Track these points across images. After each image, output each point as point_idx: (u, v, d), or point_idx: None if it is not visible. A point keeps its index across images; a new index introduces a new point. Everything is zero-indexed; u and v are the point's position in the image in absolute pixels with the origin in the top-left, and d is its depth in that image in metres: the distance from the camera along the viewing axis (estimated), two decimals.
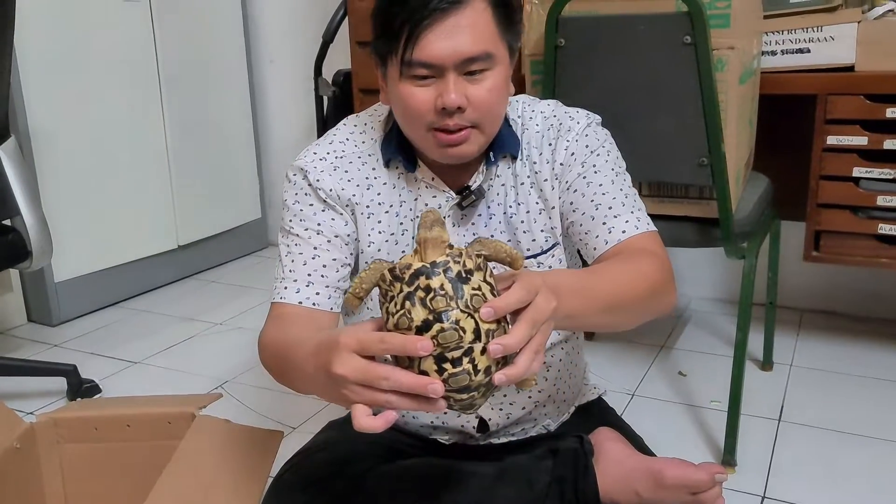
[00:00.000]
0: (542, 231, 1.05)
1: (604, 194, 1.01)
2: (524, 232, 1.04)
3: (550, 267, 1.05)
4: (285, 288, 1.01)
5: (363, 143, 1.06)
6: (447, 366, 0.67)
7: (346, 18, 2.11)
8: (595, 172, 1.02)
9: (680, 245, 1.55)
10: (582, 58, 1.40)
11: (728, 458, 1.45)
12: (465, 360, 0.67)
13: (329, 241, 1.01)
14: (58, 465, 1.18)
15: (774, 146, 1.75)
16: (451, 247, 0.74)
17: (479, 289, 0.69)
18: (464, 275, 0.69)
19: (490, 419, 1.09)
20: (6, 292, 2.26)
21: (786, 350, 1.93)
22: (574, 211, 1.02)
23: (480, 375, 0.68)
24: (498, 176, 1.05)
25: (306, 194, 1.03)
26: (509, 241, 1.04)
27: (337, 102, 2.26)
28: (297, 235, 1.02)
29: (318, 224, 1.02)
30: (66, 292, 2.29)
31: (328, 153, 1.05)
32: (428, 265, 0.69)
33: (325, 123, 2.32)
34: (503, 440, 1.12)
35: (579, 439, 1.04)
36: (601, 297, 0.86)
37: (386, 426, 0.69)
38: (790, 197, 1.73)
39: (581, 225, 1.01)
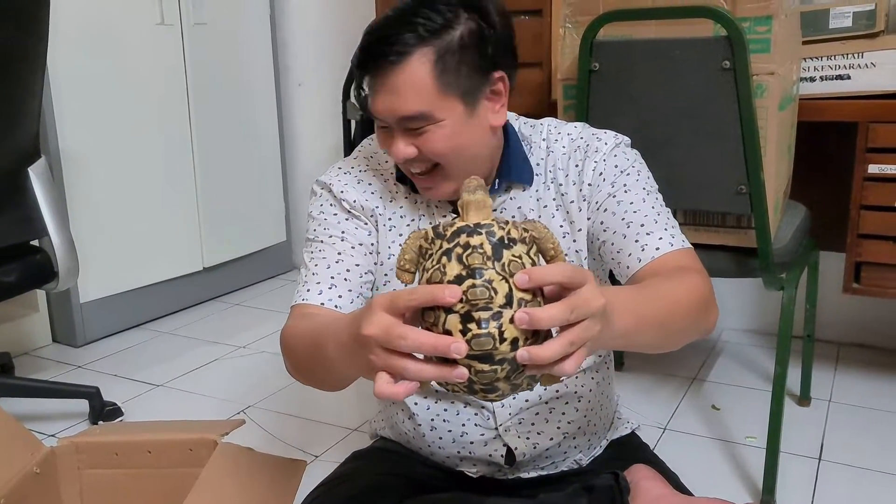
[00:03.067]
0: (565, 255, 1.01)
1: (635, 212, 0.97)
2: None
3: None
4: (308, 290, 0.99)
5: (385, 161, 1.07)
6: (472, 326, 0.62)
7: None
8: (626, 192, 0.99)
9: (716, 275, 1.50)
10: (616, 82, 1.38)
11: (768, 498, 1.39)
12: (493, 323, 0.62)
13: (353, 248, 1.02)
14: (77, 491, 1.15)
15: (812, 174, 1.71)
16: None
17: (520, 258, 0.65)
18: (506, 241, 0.66)
19: (516, 448, 1.05)
20: (32, 313, 2.27)
21: (823, 385, 1.87)
22: (605, 231, 0.99)
23: (506, 346, 0.63)
24: (513, 199, 1.03)
25: (331, 205, 1.04)
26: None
27: (364, 126, 2.25)
28: (322, 242, 1.02)
29: (343, 231, 1.03)
30: (91, 313, 2.29)
31: (352, 168, 1.07)
32: (472, 224, 0.67)
33: (352, 147, 2.31)
34: (532, 474, 1.08)
35: (615, 476, 1.00)
36: (654, 315, 0.81)
37: (407, 394, 0.64)
38: (829, 227, 1.68)
39: (613, 244, 0.98)
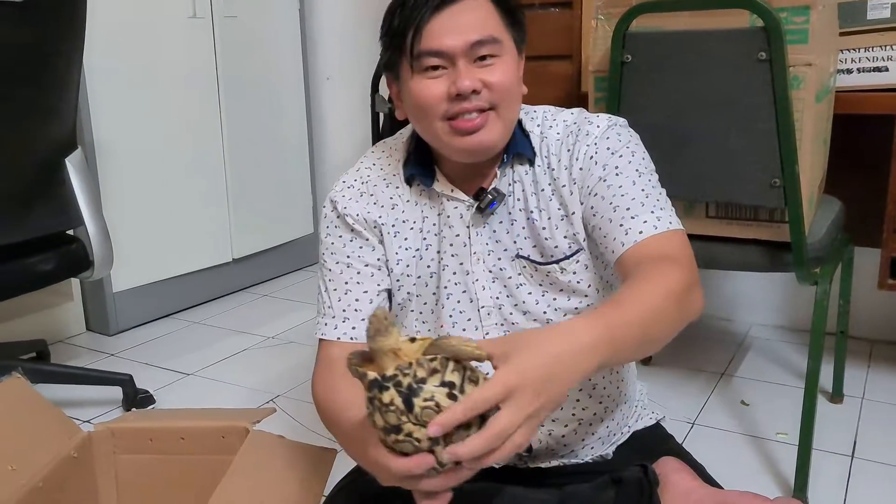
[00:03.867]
0: (564, 237, 1.01)
1: (623, 195, 0.96)
2: (546, 238, 1.01)
3: (575, 272, 1.02)
4: (325, 325, 1.05)
5: (388, 165, 1.07)
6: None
7: None
8: (616, 175, 0.98)
9: (747, 269, 1.49)
10: (649, 74, 1.36)
11: (799, 495, 1.38)
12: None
13: (359, 273, 1.04)
14: (113, 475, 1.17)
15: (847, 168, 1.68)
16: (412, 340, 0.74)
17: (433, 398, 0.69)
18: (414, 387, 0.69)
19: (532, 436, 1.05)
20: (67, 301, 2.31)
21: (856, 382, 1.84)
22: (595, 215, 0.98)
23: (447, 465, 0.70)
24: (518, 181, 1.03)
25: (336, 227, 1.06)
26: (534, 246, 1.02)
27: (392, 119, 2.25)
28: (330, 270, 1.06)
29: (348, 256, 1.05)
30: (123, 302, 2.32)
31: (355, 180, 1.07)
32: (379, 378, 0.70)
33: (380, 139, 2.31)
34: (553, 463, 1.08)
35: (643, 468, 0.99)
36: (634, 339, 0.81)
37: None
38: (864, 222, 1.66)
39: (601, 229, 0.97)
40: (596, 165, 0.99)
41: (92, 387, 1.87)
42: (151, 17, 2.27)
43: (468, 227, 1.03)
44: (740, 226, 1.44)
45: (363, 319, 1.02)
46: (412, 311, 1.07)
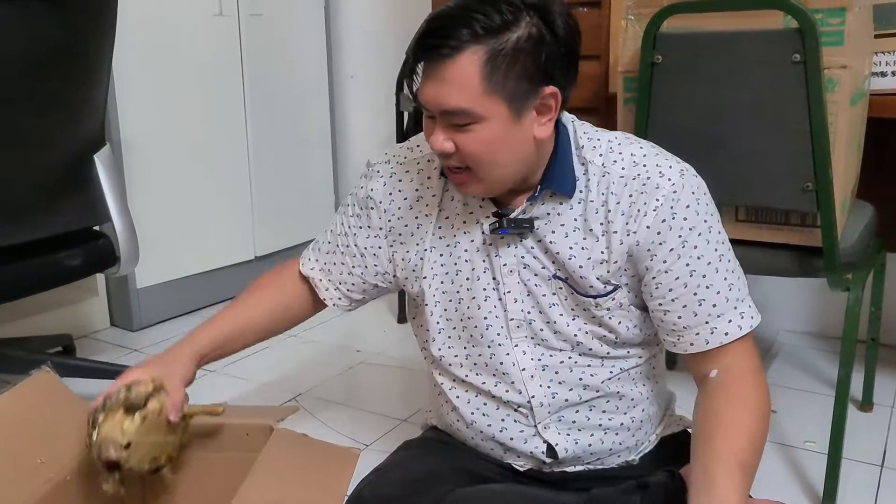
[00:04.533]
0: (598, 279, 0.99)
1: (707, 287, 0.95)
2: (581, 277, 0.99)
3: (609, 308, 1.01)
4: (308, 259, 1.20)
5: (430, 152, 1.08)
6: None
7: None
8: (698, 258, 0.95)
9: (777, 274, 1.47)
10: (680, 75, 1.35)
11: None
12: None
13: (347, 247, 1.14)
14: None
15: (880, 173, 1.65)
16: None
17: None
18: None
19: (557, 444, 1.05)
20: (92, 296, 2.33)
21: (886, 390, 1.81)
22: (674, 300, 0.97)
23: None
24: (558, 214, 1.00)
25: (356, 193, 1.14)
26: (567, 278, 1.01)
27: (418, 118, 2.25)
28: (336, 223, 1.16)
29: (349, 227, 1.14)
30: (147, 299, 2.34)
31: (395, 156, 1.12)
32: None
33: (405, 139, 2.31)
34: (579, 468, 1.07)
35: (670, 474, 0.99)
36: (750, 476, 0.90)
37: None
38: None
39: (680, 317, 0.97)
40: (671, 232, 0.94)
41: None
42: (178, 14, 2.28)
43: (499, 237, 1.03)
44: (771, 230, 1.41)
45: (331, 280, 1.16)
46: (437, 303, 1.08)
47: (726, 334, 0.96)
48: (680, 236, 0.94)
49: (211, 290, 2.54)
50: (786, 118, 1.28)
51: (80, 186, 1.63)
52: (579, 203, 0.99)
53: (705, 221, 0.96)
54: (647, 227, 0.95)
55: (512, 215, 1.00)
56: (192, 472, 1.17)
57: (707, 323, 0.96)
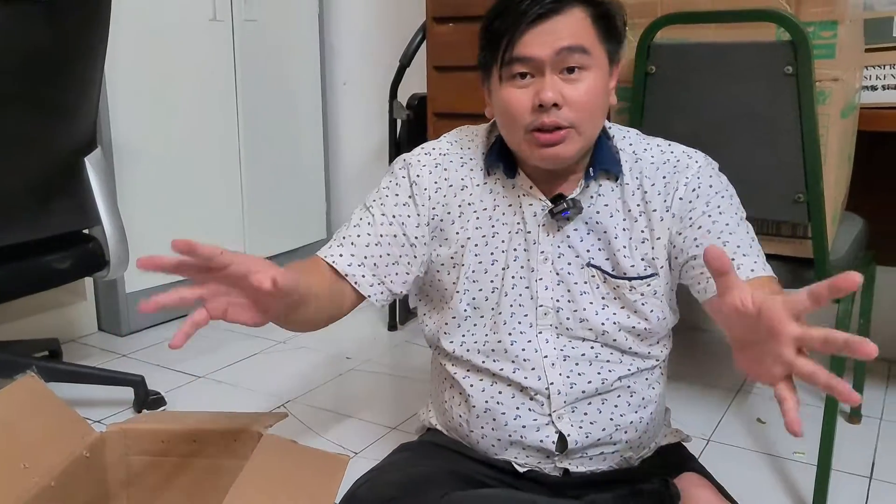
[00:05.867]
0: (642, 260, 1.04)
1: (731, 234, 1.00)
2: (624, 256, 1.04)
3: (643, 294, 1.04)
4: (340, 256, 1.06)
5: (469, 148, 1.12)
6: None
7: (424, 43, 2.10)
8: (720, 213, 1.01)
9: None
10: (673, 86, 1.35)
11: None
12: None
13: (395, 237, 1.07)
14: (124, 476, 1.17)
15: (870, 186, 1.66)
16: None
17: None
18: None
19: (569, 435, 1.05)
20: (80, 300, 2.31)
21: (875, 402, 1.81)
22: (698, 247, 0.99)
23: None
24: (601, 195, 1.05)
25: (398, 184, 1.10)
26: (607, 259, 1.05)
27: (411, 126, 2.25)
28: (373, 216, 1.09)
29: (395, 216, 1.08)
30: (136, 303, 2.32)
31: (434, 149, 1.12)
32: None
33: (398, 147, 2.31)
34: (581, 469, 1.07)
35: (664, 482, 0.99)
36: None
37: None
38: (886, 240, 1.64)
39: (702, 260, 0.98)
40: (699, 199, 1.02)
41: (103, 387, 1.86)
42: (172, 18, 2.28)
43: (540, 226, 1.06)
44: (762, 240, 1.40)
45: (374, 275, 1.06)
46: (467, 290, 1.08)
47: (752, 270, 0.96)
48: (707, 202, 1.02)
49: None
50: (778, 129, 1.29)
51: (70, 189, 1.62)
52: (618, 186, 1.05)
53: (727, 191, 1.05)
54: (680, 198, 1.03)
55: (571, 195, 1.04)
56: (178, 478, 1.16)
57: (733, 259, 0.96)
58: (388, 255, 1.08)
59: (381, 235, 1.07)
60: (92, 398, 1.85)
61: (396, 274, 1.09)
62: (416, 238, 1.09)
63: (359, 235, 1.08)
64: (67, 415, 1.09)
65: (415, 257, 1.09)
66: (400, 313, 2.35)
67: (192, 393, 1.93)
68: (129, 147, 2.21)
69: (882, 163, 1.68)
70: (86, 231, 1.73)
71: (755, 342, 0.72)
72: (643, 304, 1.04)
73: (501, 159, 1.07)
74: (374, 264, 1.07)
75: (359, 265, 1.06)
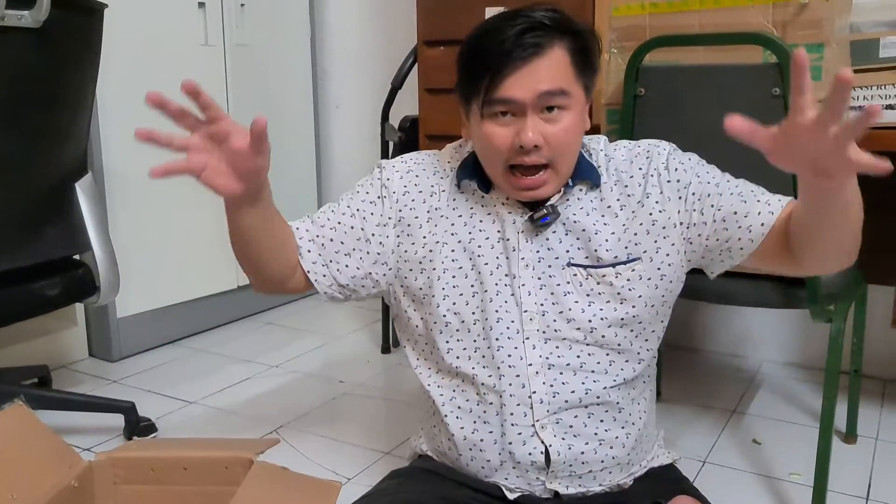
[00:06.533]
0: (625, 248, 1.07)
1: (737, 185, 1.06)
2: (606, 250, 1.06)
3: (629, 279, 1.06)
4: (297, 228, 1.15)
5: (444, 159, 1.16)
6: None
7: (416, 66, 2.12)
8: (713, 177, 1.07)
9: (761, 305, 1.47)
10: (662, 108, 1.36)
11: None
12: None
13: (353, 228, 1.12)
14: None
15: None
16: None
17: None
18: None
19: (551, 446, 1.04)
20: (71, 326, 2.29)
21: (870, 422, 1.81)
22: (720, 209, 1.04)
23: None
24: (579, 199, 1.08)
25: (371, 184, 1.15)
26: (587, 257, 1.07)
27: (403, 148, 2.25)
28: (339, 205, 1.15)
29: (358, 209, 1.13)
30: (127, 329, 2.31)
31: (409, 159, 1.17)
32: None
33: None
34: (571, 490, 1.06)
35: None
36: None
37: None
38: (877, 260, 1.63)
39: (735, 213, 1.03)
40: (686, 173, 1.07)
41: (94, 414, 1.85)
42: (164, 43, 2.29)
43: (519, 232, 1.07)
44: None
45: (321, 255, 1.12)
46: (447, 296, 1.10)
47: (779, 200, 1.03)
48: (695, 172, 1.08)
49: (192, 319, 2.51)
50: None
51: (60, 215, 1.61)
52: (596, 190, 1.09)
53: (700, 161, 1.11)
54: (668, 181, 1.06)
55: (550, 202, 1.06)
56: None
57: (759, 201, 1.03)
58: (342, 243, 1.12)
59: (339, 223, 1.13)
60: (82, 425, 1.83)
61: (346, 266, 1.12)
62: (372, 235, 1.12)
63: (319, 217, 1.15)
64: (55, 443, 1.08)
65: (367, 253, 1.12)
66: (393, 336, 2.34)
67: (184, 419, 1.91)
68: (120, 172, 2.21)
69: (872, 182, 1.68)
70: (76, 257, 1.72)
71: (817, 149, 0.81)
72: (630, 290, 1.06)
73: (476, 175, 1.09)
74: (323, 245, 1.12)
75: (309, 240, 1.12)
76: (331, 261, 1.12)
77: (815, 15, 1.27)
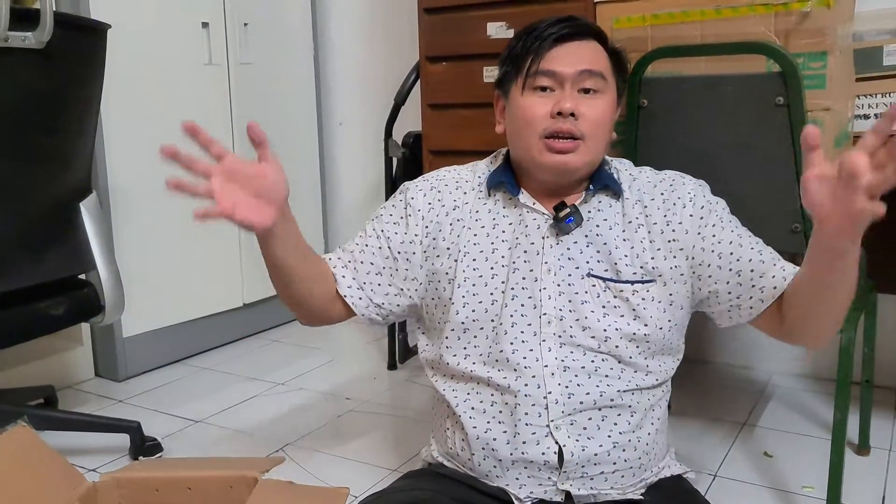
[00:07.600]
0: (641, 268, 1.09)
1: (757, 242, 1.10)
2: (626, 265, 1.10)
3: (643, 299, 1.09)
4: (329, 259, 1.20)
5: (467, 173, 1.21)
6: None
7: (418, 82, 2.12)
8: (736, 226, 1.11)
9: None
10: (665, 118, 1.36)
11: None
12: None
13: (380, 248, 1.18)
14: None
15: None
16: None
17: None
18: None
19: (565, 446, 1.04)
20: (76, 346, 2.29)
21: (883, 433, 1.78)
22: (739, 259, 1.07)
23: None
24: (601, 210, 1.12)
25: (394, 206, 1.21)
26: (606, 270, 1.10)
27: (406, 164, 2.26)
28: (366, 231, 1.21)
29: (382, 230, 1.19)
30: (133, 348, 2.30)
31: (431, 177, 1.22)
32: None
33: (394, 184, 2.32)
34: (583, 492, 1.05)
35: None
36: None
37: None
38: (886, 269, 1.62)
39: (752, 270, 1.06)
40: (711, 214, 1.11)
41: (99, 434, 1.84)
42: (167, 63, 2.30)
43: (544, 238, 1.11)
44: None
45: (355, 279, 1.18)
46: (466, 304, 1.13)
47: (793, 267, 1.05)
48: (719, 216, 1.11)
49: (199, 338, 2.51)
50: (771, 160, 1.29)
51: (65, 235, 1.62)
52: (618, 202, 1.13)
53: (726, 208, 1.14)
54: (690, 215, 1.10)
55: (573, 203, 1.11)
56: None
57: (775, 265, 1.06)
58: (372, 263, 1.18)
59: (367, 246, 1.19)
60: (87, 445, 1.82)
61: (379, 284, 1.18)
62: (399, 253, 1.17)
63: (349, 245, 1.22)
64: (59, 464, 1.08)
65: (396, 270, 1.17)
66: (400, 352, 2.33)
67: (190, 438, 1.90)
68: (125, 192, 2.22)
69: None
70: (81, 276, 1.72)
71: (840, 197, 0.83)
72: (644, 309, 1.08)
73: (506, 177, 1.15)
74: (356, 269, 1.18)
75: (343, 266, 1.19)
76: (364, 283, 1.18)
77: (818, 23, 1.27)
